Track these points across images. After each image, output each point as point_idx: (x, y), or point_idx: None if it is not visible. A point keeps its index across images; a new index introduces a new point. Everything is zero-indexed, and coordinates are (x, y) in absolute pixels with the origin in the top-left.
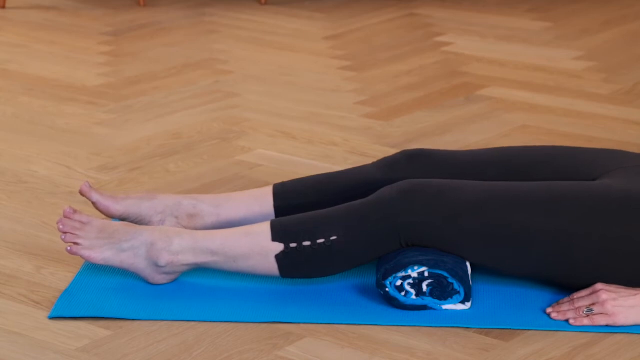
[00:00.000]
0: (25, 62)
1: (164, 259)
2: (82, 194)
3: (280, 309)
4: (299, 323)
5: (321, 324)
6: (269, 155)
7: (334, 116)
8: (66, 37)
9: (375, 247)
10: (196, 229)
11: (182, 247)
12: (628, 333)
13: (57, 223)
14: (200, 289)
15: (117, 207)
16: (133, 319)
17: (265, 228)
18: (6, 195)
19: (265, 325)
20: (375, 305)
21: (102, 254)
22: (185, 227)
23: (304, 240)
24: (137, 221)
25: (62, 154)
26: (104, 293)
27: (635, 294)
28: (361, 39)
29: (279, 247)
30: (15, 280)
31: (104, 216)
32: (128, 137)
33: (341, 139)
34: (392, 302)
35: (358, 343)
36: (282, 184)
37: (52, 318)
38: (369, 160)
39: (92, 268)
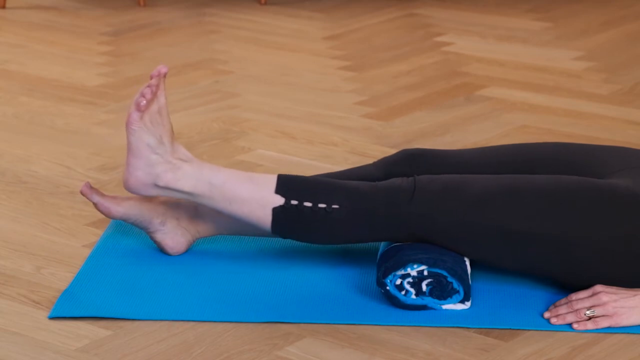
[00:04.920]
0: (25, 62)
1: (165, 178)
2: (82, 194)
3: (280, 309)
4: (299, 323)
5: (321, 324)
6: (269, 155)
7: (333, 116)
8: (66, 37)
9: (373, 227)
10: (197, 229)
11: (186, 174)
12: (628, 333)
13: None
14: (201, 289)
15: (117, 209)
16: (133, 319)
17: (271, 178)
18: (6, 195)
19: (265, 325)
20: (375, 305)
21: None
22: (186, 228)
23: (306, 200)
24: (138, 222)
25: (62, 154)
26: (104, 293)
27: (635, 294)
28: (361, 39)
29: (280, 200)
30: (15, 280)
31: (104, 216)
32: None
33: (341, 139)
34: (392, 301)
35: (358, 343)
36: None
37: (52, 318)
38: (369, 160)
39: (92, 268)
